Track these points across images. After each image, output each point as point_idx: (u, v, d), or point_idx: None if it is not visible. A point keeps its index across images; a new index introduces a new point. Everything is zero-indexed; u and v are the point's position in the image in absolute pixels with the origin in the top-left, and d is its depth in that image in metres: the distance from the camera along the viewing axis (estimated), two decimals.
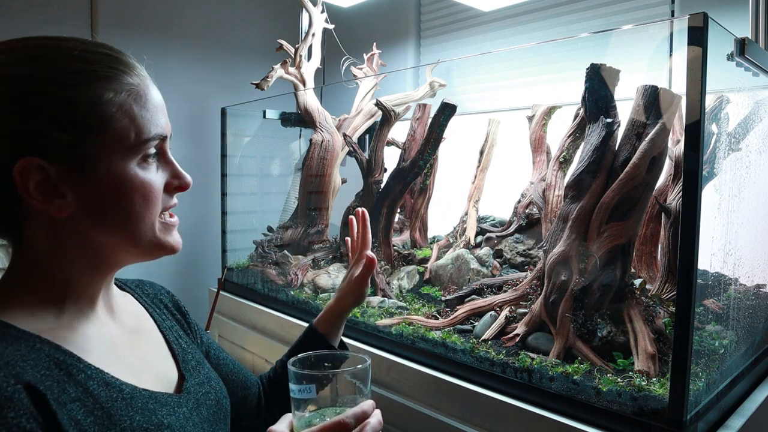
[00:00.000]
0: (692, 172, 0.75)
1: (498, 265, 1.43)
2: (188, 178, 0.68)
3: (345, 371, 0.72)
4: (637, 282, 1.06)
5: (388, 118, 1.64)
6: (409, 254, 1.61)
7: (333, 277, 1.57)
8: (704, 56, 0.73)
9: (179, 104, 2.16)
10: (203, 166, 2.12)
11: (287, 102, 2.05)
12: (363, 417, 0.65)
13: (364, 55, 2.00)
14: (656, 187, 1.04)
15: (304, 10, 1.96)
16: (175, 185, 0.67)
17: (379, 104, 1.62)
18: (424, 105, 1.66)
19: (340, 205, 1.82)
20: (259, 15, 2.48)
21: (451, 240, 1.63)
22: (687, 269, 0.75)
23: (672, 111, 0.95)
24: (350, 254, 1.05)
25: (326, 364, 0.75)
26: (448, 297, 1.27)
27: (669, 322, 0.98)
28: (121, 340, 0.67)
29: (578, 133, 1.26)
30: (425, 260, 1.57)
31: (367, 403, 0.67)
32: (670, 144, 1.06)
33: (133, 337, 0.70)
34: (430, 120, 1.50)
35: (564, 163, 1.29)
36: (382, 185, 1.62)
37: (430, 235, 1.81)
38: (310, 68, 1.91)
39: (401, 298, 1.41)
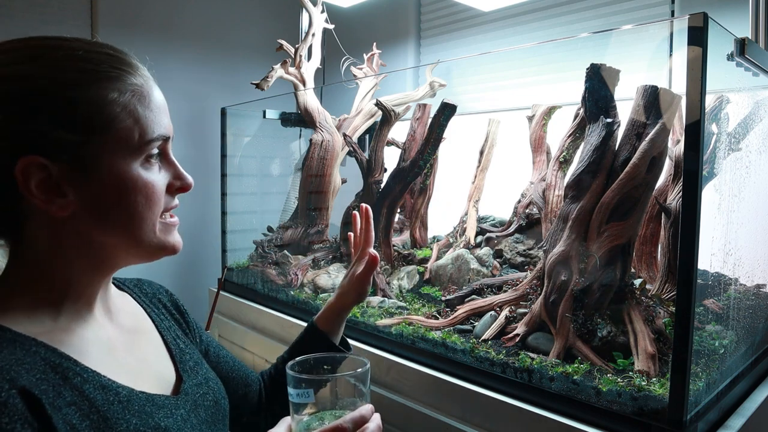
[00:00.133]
0: (692, 172, 0.75)
1: (498, 265, 1.43)
2: (190, 179, 0.68)
3: (343, 375, 0.72)
4: (637, 282, 1.06)
5: (388, 118, 1.63)
6: (409, 254, 1.61)
7: (333, 277, 1.57)
8: (704, 56, 0.73)
9: (179, 104, 2.16)
10: (203, 166, 2.12)
11: (287, 102, 2.05)
12: (362, 422, 0.65)
13: (364, 55, 2.00)
14: (656, 187, 1.04)
15: (304, 10, 1.96)
16: (177, 186, 0.67)
17: (379, 104, 1.62)
18: (424, 105, 1.66)
19: (340, 205, 1.82)
20: (259, 15, 2.48)
21: (451, 240, 1.63)
22: (687, 269, 0.75)
23: (672, 111, 0.95)
24: (353, 250, 1.04)
25: (325, 366, 0.75)
26: (448, 297, 1.27)
27: (669, 322, 0.98)
28: (118, 342, 0.67)
29: (578, 133, 1.26)
30: (425, 260, 1.57)
31: (366, 408, 0.67)
32: (670, 144, 1.06)
33: (130, 337, 0.70)
34: (430, 120, 1.50)
35: (564, 163, 1.29)
36: (382, 185, 1.62)
37: (430, 235, 1.81)
38: (310, 68, 1.91)
39: (401, 298, 1.40)
